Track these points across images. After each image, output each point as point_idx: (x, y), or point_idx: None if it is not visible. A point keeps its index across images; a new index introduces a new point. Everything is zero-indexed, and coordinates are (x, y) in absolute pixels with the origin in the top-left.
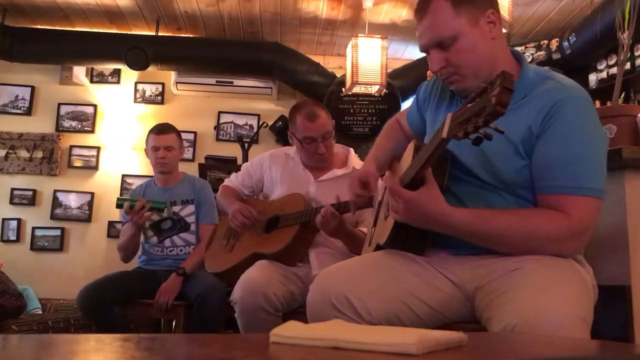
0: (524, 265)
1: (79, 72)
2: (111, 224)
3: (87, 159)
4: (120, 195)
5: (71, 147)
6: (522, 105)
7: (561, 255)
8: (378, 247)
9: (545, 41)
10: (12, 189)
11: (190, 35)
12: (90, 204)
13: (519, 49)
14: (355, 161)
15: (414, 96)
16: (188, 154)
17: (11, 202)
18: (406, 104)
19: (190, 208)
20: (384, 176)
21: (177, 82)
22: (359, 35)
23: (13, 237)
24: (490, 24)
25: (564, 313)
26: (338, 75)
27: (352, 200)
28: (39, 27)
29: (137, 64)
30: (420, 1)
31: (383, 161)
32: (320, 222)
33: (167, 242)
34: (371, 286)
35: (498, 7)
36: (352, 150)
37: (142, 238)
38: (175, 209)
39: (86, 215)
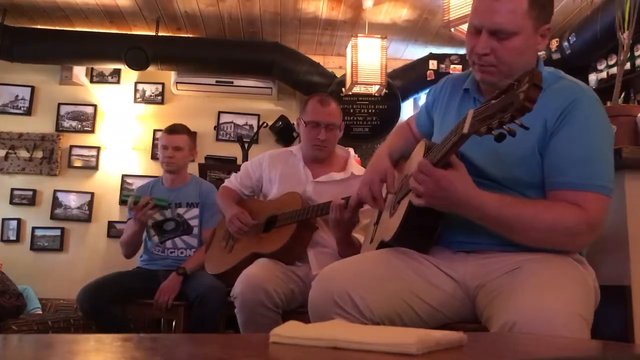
0: (525, 265)
1: (79, 72)
2: (111, 224)
3: (87, 159)
4: (122, 193)
5: (71, 147)
6: (537, 103)
7: (572, 249)
8: (382, 244)
9: None
10: (12, 189)
11: (190, 35)
12: (90, 204)
13: None
14: (354, 166)
15: (424, 102)
16: None
17: (11, 202)
18: (406, 104)
19: (195, 211)
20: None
21: (177, 82)
22: (359, 35)
23: (13, 237)
24: (542, 38)
25: (565, 311)
26: (338, 75)
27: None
28: (39, 27)
29: (137, 64)
30: None
31: (394, 157)
32: (332, 214)
33: (169, 244)
34: (373, 284)
35: None
36: (351, 152)
37: (144, 236)
38: (180, 211)
39: (86, 215)
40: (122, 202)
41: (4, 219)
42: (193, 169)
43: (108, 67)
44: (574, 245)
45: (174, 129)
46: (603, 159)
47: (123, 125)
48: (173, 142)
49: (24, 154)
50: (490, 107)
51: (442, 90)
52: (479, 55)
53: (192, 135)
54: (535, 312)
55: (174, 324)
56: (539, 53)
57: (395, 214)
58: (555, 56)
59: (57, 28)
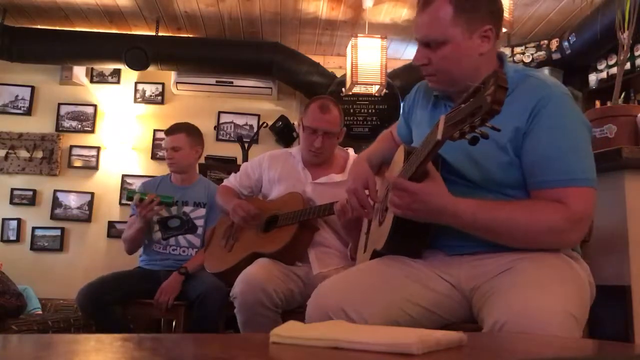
0: (517, 264)
1: (79, 72)
2: (111, 224)
3: (87, 159)
4: (122, 192)
5: (71, 147)
6: (506, 104)
7: (561, 247)
8: (375, 253)
9: (545, 41)
10: (12, 189)
11: (190, 35)
12: (90, 204)
13: (519, 49)
14: None
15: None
16: None
17: (11, 202)
18: None
19: (202, 211)
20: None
21: (177, 82)
22: (359, 35)
23: (13, 237)
24: (484, 39)
25: (554, 310)
26: (338, 75)
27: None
28: (39, 27)
29: (137, 64)
30: None
31: (374, 163)
32: (338, 210)
33: (172, 241)
34: (368, 296)
35: (500, 24)
36: (351, 153)
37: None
38: (186, 209)
39: (86, 215)
40: (128, 198)
41: (4, 219)
42: None
43: (108, 67)
44: (561, 243)
45: (170, 129)
46: (579, 151)
47: (123, 125)
48: (170, 143)
49: (24, 154)
50: (461, 111)
51: (415, 97)
52: (419, 65)
53: (193, 132)
54: (524, 312)
55: (174, 324)
56: (539, 56)
57: (384, 222)
58: (555, 56)
59: (57, 28)
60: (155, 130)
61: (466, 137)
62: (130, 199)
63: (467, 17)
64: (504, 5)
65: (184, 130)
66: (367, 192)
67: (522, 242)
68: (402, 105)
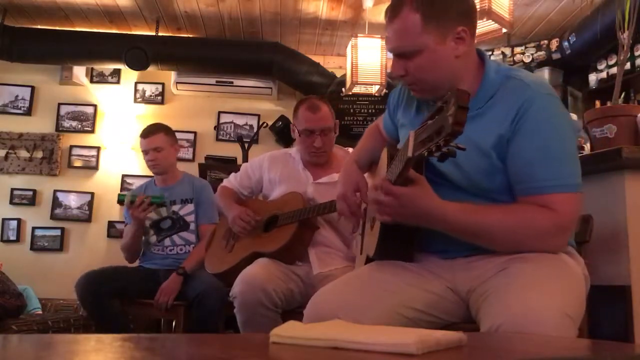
0: (511, 265)
1: (79, 72)
2: (111, 224)
3: (87, 159)
4: (124, 190)
5: (71, 147)
6: (489, 108)
7: (545, 251)
8: (368, 259)
9: (545, 41)
10: (12, 189)
11: (190, 35)
12: (90, 204)
13: (519, 49)
14: None
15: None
16: (188, 154)
17: (11, 202)
18: None
19: (190, 207)
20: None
21: (177, 82)
22: (359, 35)
23: (13, 237)
24: (459, 41)
25: (550, 311)
26: (338, 75)
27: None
28: (39, 27)
29: (137, 64)
30: (392, 2)
31: (363, 163)
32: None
33: (167, 242)
34: (364, 304)
35: (474, 22)
36: (351, 152)
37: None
38: (175, 208)
39: (86, 215)
40: (119, 201)
41: (4, 219)
42: (193, 168)
43: (108, 67)
44: (546, 248)
45: (148, 131)
46: (564, 155)
47: (123, 125)
48: (150, 144)
49: (24, 154)
50: (427, 128)
51: (399, 96)
52: (397, 78)
53: (169, 130)
54: (520, 313)
55: (174, 324)
56: (539, 56)
57: (374, 227)
58: (555, 56)
59: (57, 28)
60: None
61: (434, 155)
62: (121, 202)
63: (437, 22)
64: (503, 5)
65: (162, 130)
66: (358, 194)
67: (508, 246)
68: (388, 100)
